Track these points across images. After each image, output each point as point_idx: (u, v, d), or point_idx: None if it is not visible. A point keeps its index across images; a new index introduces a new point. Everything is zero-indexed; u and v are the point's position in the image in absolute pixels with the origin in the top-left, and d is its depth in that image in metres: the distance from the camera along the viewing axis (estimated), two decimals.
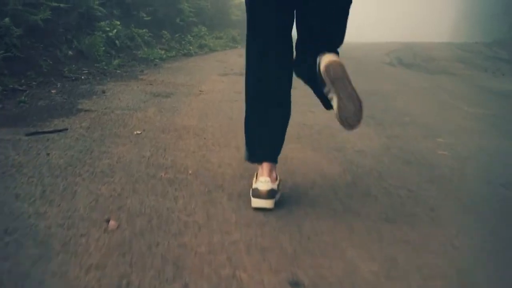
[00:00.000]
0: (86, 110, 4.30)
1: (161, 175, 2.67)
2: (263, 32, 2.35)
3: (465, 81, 7.59)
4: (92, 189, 2.44)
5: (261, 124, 2.42)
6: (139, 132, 3.59)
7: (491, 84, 7.34)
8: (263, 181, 2.27)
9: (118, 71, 7.17)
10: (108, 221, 2.05)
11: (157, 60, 8.92)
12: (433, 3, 39.27)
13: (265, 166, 2.34)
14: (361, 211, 2.32)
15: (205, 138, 3.52)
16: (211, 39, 13.15)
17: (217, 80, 6.76)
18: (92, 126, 3.71)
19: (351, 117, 2.18)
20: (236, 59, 9.77)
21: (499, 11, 23.12)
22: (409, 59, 10.88)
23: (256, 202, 2.26)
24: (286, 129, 2.48)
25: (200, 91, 5.71)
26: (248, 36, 2.43)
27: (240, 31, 15.63)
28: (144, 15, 10.62)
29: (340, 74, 2.12)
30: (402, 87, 6.65)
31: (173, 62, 8.86)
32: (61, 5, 7.28)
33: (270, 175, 2.31)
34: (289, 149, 2.99)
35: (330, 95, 2.21)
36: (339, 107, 2.16)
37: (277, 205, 2.30)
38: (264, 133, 2.42)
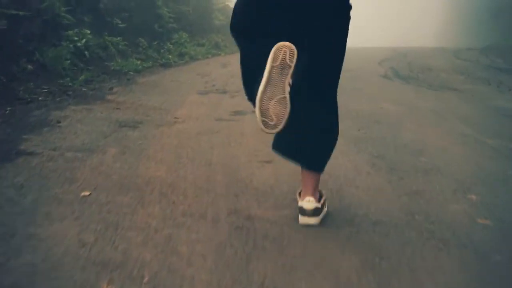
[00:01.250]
0: (28, 153, 3.44)
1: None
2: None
3: (472, 100, 6.83)
4: None
5: None
6: (87, 193, 2.74)
7: (501, 104, 6.60)
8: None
9: (84, 89, 6.33)
10: None
11: (131, 73, 8.10)
12: (420, 7, 38.86)
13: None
14: None
15: (173, 202, 2.68)
16: (192, 46, 12.32)
17: (196, 101, 5.93)
18: (28, 183, 2.85)
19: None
20: (218, 70, 8.97)
21: (488, 16, 22.58)
22: (405, 70, 10.12)
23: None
24: None
25: (175, 118, 4.89)
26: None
27: (224, 37, 14.81)
28: (119, 22, 9.78)
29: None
30: (406, 109, 5.87)
31: (149, 76, 8.03)
32: (21, 13, 6.44)
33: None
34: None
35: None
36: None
37: None
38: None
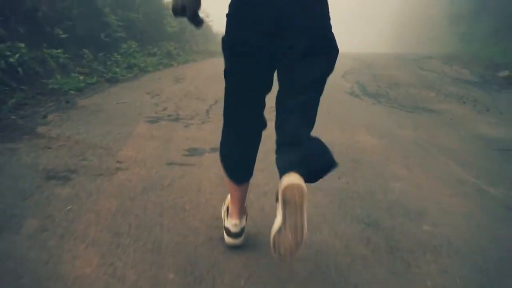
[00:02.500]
0: None
1: None
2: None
3: (453, 125, 6.18)
4: None
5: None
6: None
7: (485, 130, 5.99)
8: (234, 223, 2.59)
9: (13, 117, 5.42)
10: None
11: (72, 92, 7.18)
12: (377, 13, 38.80)
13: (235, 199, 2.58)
14: None
15: None
16: (142, 56, 11.42)
17: (145, 134, 5.08)
18: None
19: (284, 248, 1.90)
20: (171, 87, 8.13)
21: (448, 22, 22.35)
22: (372, 86, 9.44)
23: (228, 240, 2.61)
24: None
25: (118, 162, 4.05)
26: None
27: (177, 45, 13.95)
28: (60, 32, 8.84)
29: (296, 201, 1.88)
30: (385, 142, 5.17)
31: (91, 96, 7.11)
32: None
33: (239, 217, 2.60)
34: None
35: (277, 212, 1.97)
36: (278, 231, 1.91)
37: None
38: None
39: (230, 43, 2.28)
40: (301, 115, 2.23)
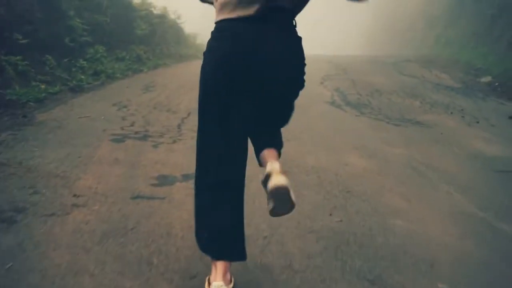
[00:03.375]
0: None
1: None
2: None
3: (445, 141, 5.76)
4: None
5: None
6: None
7: (480, 147, 5.59)
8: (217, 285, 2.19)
9: None
10: None
11: (31, 104, 6.57)
12: (351, 14, 38.58)
13: (219, 266, 2.25)
14: None
15: None
16: (110, 62, 10.77)
17: (108, 157, 4.52)
18: None
19: (281, 213, 2.25)
20: (139, 97, 7.57)
21: (423, 24, 22.10)
22: (353, 94, 8.96)
23: None
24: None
25: (75, 196, 3.49)
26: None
27: (147, 48, 13.34)
28: (20, 37, 8.15)
29: (283, 197, 2.15)
30: (377, 165, 4.70)
31: (52, 108, 6.50)
32: None
33: (224, 278, 2.23)
34: None
35: (268, 197, 2.19)
36: (273, 209, 2.18)
37: None
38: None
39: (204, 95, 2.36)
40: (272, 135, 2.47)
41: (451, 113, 7.53)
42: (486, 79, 11.52)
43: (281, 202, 2.14)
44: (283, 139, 2.50)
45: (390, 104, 8.01)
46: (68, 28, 9.82)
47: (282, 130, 2.52)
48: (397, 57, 18.66)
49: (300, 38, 2.32)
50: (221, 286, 2.17)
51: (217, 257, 2.27)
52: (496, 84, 10.98)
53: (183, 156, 4.60)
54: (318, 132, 5.82)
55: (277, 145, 2.44)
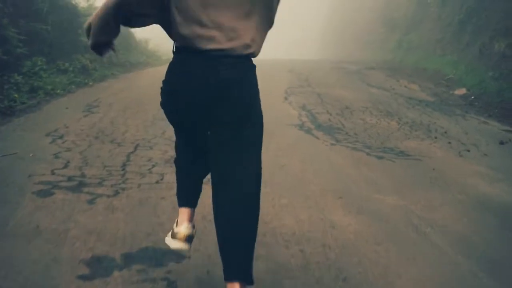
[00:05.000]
0: None
1: None
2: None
3: (441, 182, 4.90)
4: None
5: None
6: None
7: (482, 188, 4.77)
8: (184, 226, 2.64)
9: None
10: None
11: None
12: (305, 17, 38.09)
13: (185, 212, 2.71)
14: None
15: None
16: (50, 75, 9.61)
17: (29, 222, 3.48)
18: None
19: None
20: (80, 120, 6.54)
21: (385, 29, 21.49)
22: (323, 114, 8.01)
23: (175, 244, 2.63)
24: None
25: None
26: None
27: (93, 57, 12.15)
28: None
29: None
30: (368, 221, 3.79)
31: None
32: None
33: (189, 221, 2.68)
34: None
35: None
36: None
37: None
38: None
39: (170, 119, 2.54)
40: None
41: (435, 137, 6.69)
42: (460, 91, 10.79)
43: None
44: None
45: (366, 127, 7.11)
46: (0, 39, 8.64)
47: None
48: (359, 63, 17.94)
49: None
50: (187, 227, 2.65)
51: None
52: (472, 97, 10.24)
53: (126, 219, 3.61)
54: (292, 173, 4.88)
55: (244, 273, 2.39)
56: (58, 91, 9.00)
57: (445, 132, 7.06)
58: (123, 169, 4.78)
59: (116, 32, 2.39)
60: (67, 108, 7.60)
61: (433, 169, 5.30)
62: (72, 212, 3.72)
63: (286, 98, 9.32)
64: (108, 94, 9.06)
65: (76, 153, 5.24)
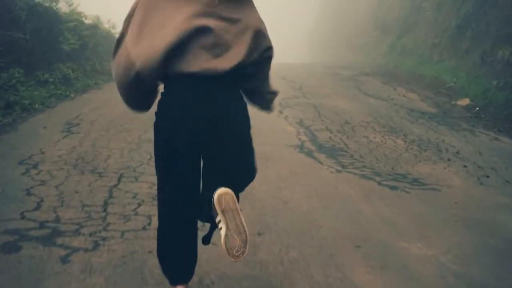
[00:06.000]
0: None
1: None
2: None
3: (469, 221, 4.38)
4: None
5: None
6: None
7: None
8: None
9: None
10: None
11: None
12: (298, 20, 37.68)
13: None
14: None
15: None
16: (28, 88, 8.91)
17: None
18: None
19: (236, 249, 2.27)
20: (57, 144, 5.94)
21: (378, 33, 20.98)
22: (322, 131, 7.42)
23: None
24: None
25: None
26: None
27: (76, 66, 11.51)
28: None
29: (230, 206, 2.25)
30: (398, 282, 3.18)
31: None
32: None
33: None
34: None
35: (220, 225, 2.28)
36: (226, 236, 2.25)
37: None
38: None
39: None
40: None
41: (448, 160, 6.12)
42: (464, 101, 10.24)
43: (231, 219, 2.25)
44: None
45: (371, 148, 6.53)
46: None
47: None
48: (352, 68, 17.38)
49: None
50: None
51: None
52: (477, 109, 9.68)
53: (106, 285, 2.98)
54: (298, 212, 4.29)
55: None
56: (37, 105, 8.33)
57: (457, 153, 6.50)
58: (104, 210, 4.15)
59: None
60: (44, 127, 6.92)
61: (455, 202, 4.72)
62: (41, 275, 3.09)
63: (281, 112, 8.71)
64: (91, 109, 8.40)
65: (51, 187, 4.60)
